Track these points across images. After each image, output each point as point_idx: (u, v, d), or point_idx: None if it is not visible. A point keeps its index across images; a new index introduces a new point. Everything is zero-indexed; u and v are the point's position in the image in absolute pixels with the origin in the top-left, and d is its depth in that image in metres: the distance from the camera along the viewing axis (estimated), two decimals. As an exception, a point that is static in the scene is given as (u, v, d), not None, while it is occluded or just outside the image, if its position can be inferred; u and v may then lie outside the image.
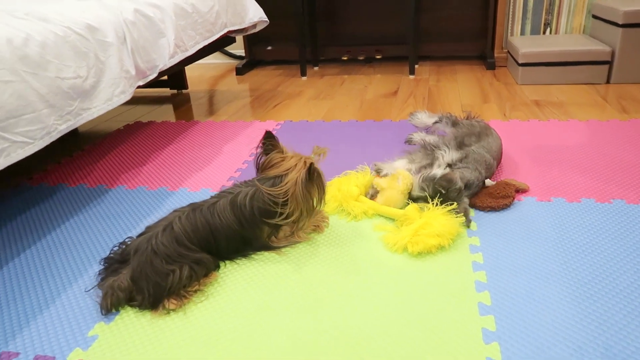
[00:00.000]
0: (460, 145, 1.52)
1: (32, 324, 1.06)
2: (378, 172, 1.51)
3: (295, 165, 1.24)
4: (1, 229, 1.46)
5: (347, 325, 1.00)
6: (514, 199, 1.41)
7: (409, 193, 1.38)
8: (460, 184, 1.34)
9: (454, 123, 1.76)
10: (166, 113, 2.62)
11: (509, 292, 1.06)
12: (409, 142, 1.92)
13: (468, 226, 1.31)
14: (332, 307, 1.05)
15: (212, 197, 1.26)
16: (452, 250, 1.22)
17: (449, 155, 1.46)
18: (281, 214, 1.20)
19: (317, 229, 1.34)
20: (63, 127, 1.36)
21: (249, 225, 1.21)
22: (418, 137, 1.89)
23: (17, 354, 0.98)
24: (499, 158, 1.60)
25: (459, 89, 2.72)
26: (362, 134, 2.08)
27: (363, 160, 1.79)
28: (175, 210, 1.22)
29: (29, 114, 1.24)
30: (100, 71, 1.51)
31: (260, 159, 1.32)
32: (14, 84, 1.20)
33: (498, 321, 0.98)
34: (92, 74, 1.47)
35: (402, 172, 1.40)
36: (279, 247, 1.27)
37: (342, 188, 1.45)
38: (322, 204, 1.27)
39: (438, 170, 1.37)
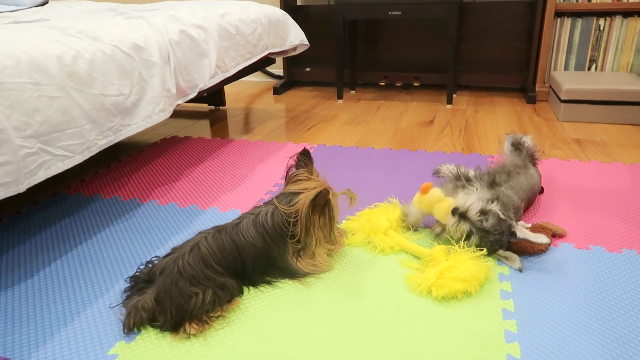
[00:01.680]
0: (492, 184, 1.47)
1: (56, 337, 1.07)
2: (404, 219, 1.47)
3: (313, 188, 1.23)
4: (35, 238, 1.50)
5: (368, 366, 0.97)
6: (550, 244, 1.36)
7: (462, 212, 1.31)
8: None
9: (515, 145, 1.70)
10: (203, 129, 2.66)
11: (540, 345, 1.01)
12: (436, 173, 1.88)
13: (520, 270, 1.28)
14: (353, 346, 1.03)
15: (235, 219, 1.26)
16: (482, 295, 1.18)
17: (480, 192, 1.41)
18: (292, 235, 1.21)
19: (336, 245, 1.33)
20: (103, 143, 1.39)
21: (272, 241, 1.22)
22: (446, 169, 1.84)
23: (39, 367, 0.99)
24: (530, 198, 1.55)
25: (497, 121, 2.67)
26: (395, 163, 2.06)
27: (394, 191, 1.76)
28: (200, 232, 1.22)
29: (72, 128, 1.28)
30: (143, 89, 1.55)
31: (289, 171, 1.33)
32: (60, 99, 1.24)
33: (527, 377, 0.94)
34: (134, 91, 1.51)
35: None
36: (303, 275, 1.26)
37: (371, 220, 1.43)
38: (329, 236, 1.26)
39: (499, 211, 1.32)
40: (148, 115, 1.56)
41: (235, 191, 1.81)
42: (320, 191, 1.20)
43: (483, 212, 1.30)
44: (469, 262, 1.22)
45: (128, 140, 2.47)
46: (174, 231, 1.52)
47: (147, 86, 1.57)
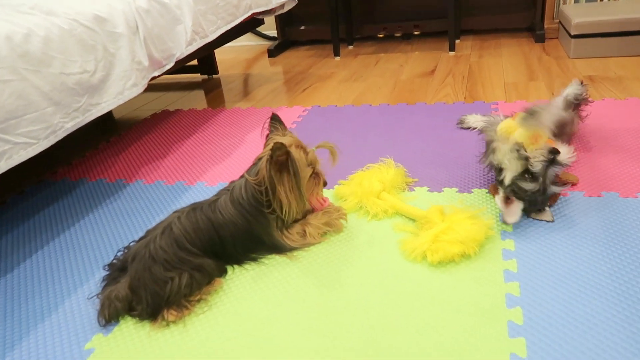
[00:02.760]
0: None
1: (32, 334, 1.02)
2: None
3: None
4: (17, 229, 1.45)
5: (360, 344, 0.90)
6: (559, 194, 1.25)
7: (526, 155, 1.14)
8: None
9: (577, 99, 1.52)
10: (196, 100, 2.56)
11: (545, 309, 0.92)
12: (461, 124, 1.76)
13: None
14: (345, 322, 0.95)
15: (212, 196, 1.18)
16: (482, 257, 1.08)
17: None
18: (268, 204, 1.12)
19: (333, 227, 1.23)
20: (70, 125, 1.31)
21: (253, 217, 1.13)
22: (473, 119, 1.72)
23: (13, 367, 0.95)
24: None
25: (502, 66, 2.50)
26: (393, 119, 1.94)
27: (390, 150, 1.66)
28: (174, 212, 1.15)
29: (31, 113, 1.19)
30: (110, 64, 1.45)
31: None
32: (13, 83, 1.15)
33: (530, 345, 0.85)
34: (100, 67, 1.41)
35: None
36: (291, 249, 1.18)
37: (363, 183, 1.34)
38: (300, 197, 1.13)
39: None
40: (119, 91, 1.47)
41: (223, 163, 1.72)
42: (274, 146, 1.08)
43: (542, 175, 1.14)
44: (466, 222, 1.12)
45: (120, 118, 2.39)
46: (158, 211, 1.45)
47: (114, 60, 1.46)
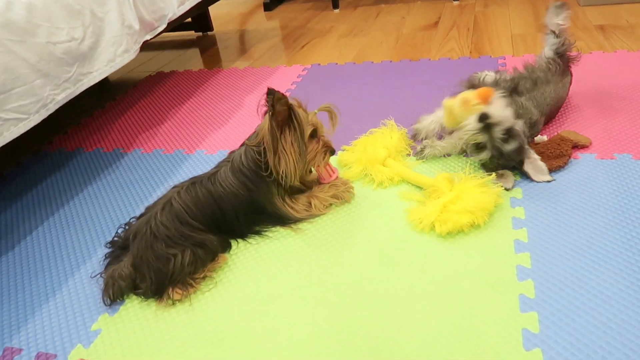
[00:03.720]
0: (512, 91, 1.28)
1: (37, 315, 1.02)
2: (415, 137, 1.30)
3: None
4: (16, 204, 1.42)
5: (367, 319, 0.89)
6: (570, 157, 1.21)
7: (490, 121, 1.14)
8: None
9: (558, 52, 1.43)
10: (191, 59, 2.48)
11: (557, 281, 0.90)
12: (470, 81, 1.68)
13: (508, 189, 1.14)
14: (352, 298, 0.94)
15: (212, 168, 1.15)
16: (491, 227, 1.06)
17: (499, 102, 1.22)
18: (268, 167, 1.08)
19: (340, 199, 1.20)
20: (61, 97, 1.26)
21: (255, 185, 1.11)
22: (484, 74, 1.64)
23: (20, 350, 0.94)
24: (554, 110, 1.36)
25: (509, 15, 2.40)
26: (396, 77, 1.87)
27: (393, 111, 1.60)
28: (174, 186, 1.12)
29: (19, 87, 1.14)
30: (99, 30, 1.38)
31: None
32: (-2, 55, 1.10)
33: (542, 319, 0.84)
34: (89, 34, 1.34)
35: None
36: (295, 220, 1.15)
37: (367, 149, 1.29)
38: (301, 150, 1.09)
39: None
40: (110, 58, 1.40)
41: (222, 129, 1.68)
42: (275, 96, 1.02)
43: (509, 133, 1.14)
44: (475, 190, 1.09)
45: (114, 81, 2.32)
46: (158, 182, 1.42)
47: (103, 25, 1.39)
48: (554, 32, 1.47)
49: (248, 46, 2.56)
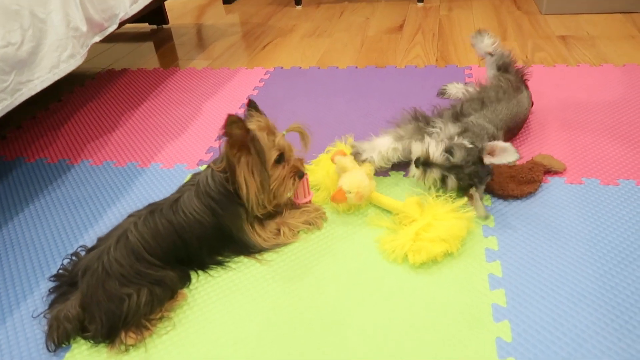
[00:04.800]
0: (456, 115, 1.27)
1: (-31, 364, 0.91)
2: (356, 156, 1.23)
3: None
4: (-54, 224, 1.28)
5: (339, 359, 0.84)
6: (541, 182, 1.19)
7: (424, 160, 1.13)
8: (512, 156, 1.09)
9: (501, 67, 1.46)
10: (145, 56, 2.33)
11: (533, 322, 0.88)
12: (442, 94, 1.65)
13: (485, 218, 1.11)
14: (322, 339, 0.88)
15: (173, 193, 1.06)
16: (465, 256, 1.03)
17: (445, 130, 1.21)
18: (236, 193, 1.02)
19: (312, 225, 1.14)
20: (-4, 109, 1.12)
21: (223, 209, 1.03)
22: (454, 88, 1.61)
23: (-51, 408, 0.83)
24: (513, 126, 1.34)
25: (473, 20, 2.38)
26: (362, 85, 1.82)
27: (360, 122, 1.55)
28: (130, 215, 1.02)
29: (-55, 100, 1.01)
30: (40, 32, 1.24)
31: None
32: None
33: (519, 365, 0.81)
34: (28, 37, 1.20)
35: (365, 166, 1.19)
36: (261, 250, 1.08)
37: (330, 171, 1.23)
38: (263, 177, 1.02)
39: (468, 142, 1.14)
40: (54, 64, 1.27)
41: (180, 139, 1.57)
42: (228, 119, 0.95)
43: (448, 150, 1.12)
44: (447, 216, 1.05)
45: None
46: (109, 200, 1.31)
47: (45, 27, 1.26)
48: (489, 53, 1.49)
49: (206, 43, 2.44)
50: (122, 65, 2.22)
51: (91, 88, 2.01)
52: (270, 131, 1.04)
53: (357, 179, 1.13)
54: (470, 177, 1.13)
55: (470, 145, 1.13)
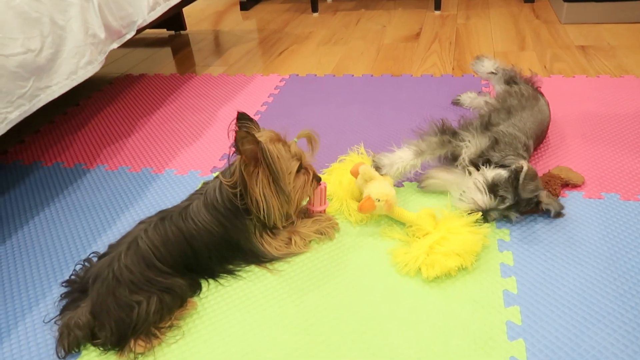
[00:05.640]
0: (486, 125, 1.24)
1: (-19, 368, 0.91)
2: (378, 169, 1.22)
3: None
4: (-37, 227, 1.30)
5: (347, 384, 0.82)
6: (558, 196, 1.17)
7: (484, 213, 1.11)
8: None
9: (509, 81, 1.46)
10: (163, 61, 2.35)
11: (549, 342, 0.85)
12: (456, 103, 1.65)
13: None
14: (330, 355, 0.87)
15: (183, 201, 1.06)
16: (479, 271, 1.01)
17: (474, 142, 1.19)
18: (247, 209, 1.02)
19: (323, 235, 1.13)
20: (15, 115, 1.14)
21: (230, 222, 1.02)
22: (467, 98, 1.61)
23: (-41, 412, 0.84)
24: (539, 135, 1.33)
25: (491, 29, 2.36)
26: (377, 93, 1.81)
27: (375, 132, 1.54)
28: (141, 222, 1.02)
29: (-35, 105, 1.02)
30: (60, 39, 1.26)
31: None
32: (-60, 71, 0.97)
33: (534, 387, 0.79)
34: (47, 44, 1.22)
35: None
36: (272, 259, 1.08)
37: (342, 181, 1.22)
38: (280, 191, 1.01)
39: (503, 171, 1.12)
40: (72, 70, 1.29)
41: (194, 146, 1.58)
42: (237, 135, 0.95)
43: (491, 190, 1.09)
44: (462, 230, 1.04)
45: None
46: (123, 206, 1.32)
47: (64, 34, 1.27)
48: (492, 72, 1.49)
49: (223, 49, 2.45)
50: (140, 71, 2.25)
51: (109, 93, 2.03)
52: (282, 141, 1.04)
53: (386, 187, 1.12)
54: (528, 203, 1.10)
55: (507, 173, 1.11)
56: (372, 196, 1.11)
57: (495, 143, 1.19)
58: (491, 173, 1.12)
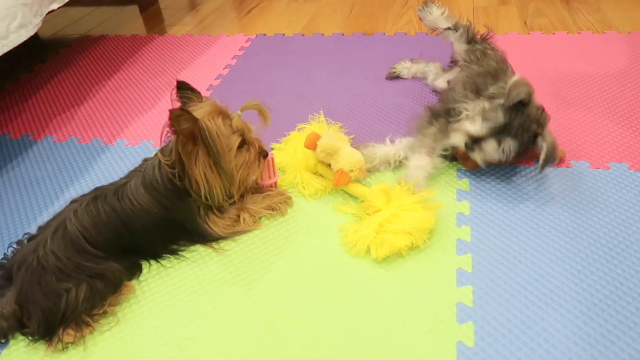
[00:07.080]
0: (477, 92, 1.15)
1: None
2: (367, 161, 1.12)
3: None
4: None
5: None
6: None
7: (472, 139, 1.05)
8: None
9: (470, 40, 1.35)
10: (130, 19, 2.22)
11: (499, 324, 0.81)
12: (391, 76, 1.53)
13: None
14: (278, 339, 0.82)
15: (121, 178, 0.99)
16: (435, 248, 0.95)
17: (475, 107, 1.09)
18: (189, 190, 0.95)
19: (275, 211, 1.06)
20: None
21: (171, 202, 0.96)
22: (404, 69, 1.51)
23: None
24: None
25: (473, -18, 2.22)
26: (347, 54, 1.70)
27: (340, 96, 1.45)
28: (73, 201, 0.96)
29: None
30: (-16, 0, 1.15)
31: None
32: None
33: (479, 374, 0.75)
34: (-31, 6, 1.11)
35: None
36: (218, 238, 1.01)
37: (297, 152, 1.15)
38: (221, 170, 0.95)
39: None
40: (2, 35, 1.18)
41: (148, 114, 1.49)
42: (172, 114, 0.87)
43: (484, 119, 1.04)
44: (414, 207, 0.97)
45: (32, 49, 2.05)
46: (68, 180, 1.24)
47: (-10, -5, 1.16)
48: (449, 28, 1.35)
49: (194, 3, 2.32)
50: (102, 31, 2.12)
51: (65, 57, 1.92)
52: (224, 114, 0.95)
53: (354, 155, 1.05)
54: (525, 128, 1.02)
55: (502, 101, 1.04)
56: (345, 168, 1.04)
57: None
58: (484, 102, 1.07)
